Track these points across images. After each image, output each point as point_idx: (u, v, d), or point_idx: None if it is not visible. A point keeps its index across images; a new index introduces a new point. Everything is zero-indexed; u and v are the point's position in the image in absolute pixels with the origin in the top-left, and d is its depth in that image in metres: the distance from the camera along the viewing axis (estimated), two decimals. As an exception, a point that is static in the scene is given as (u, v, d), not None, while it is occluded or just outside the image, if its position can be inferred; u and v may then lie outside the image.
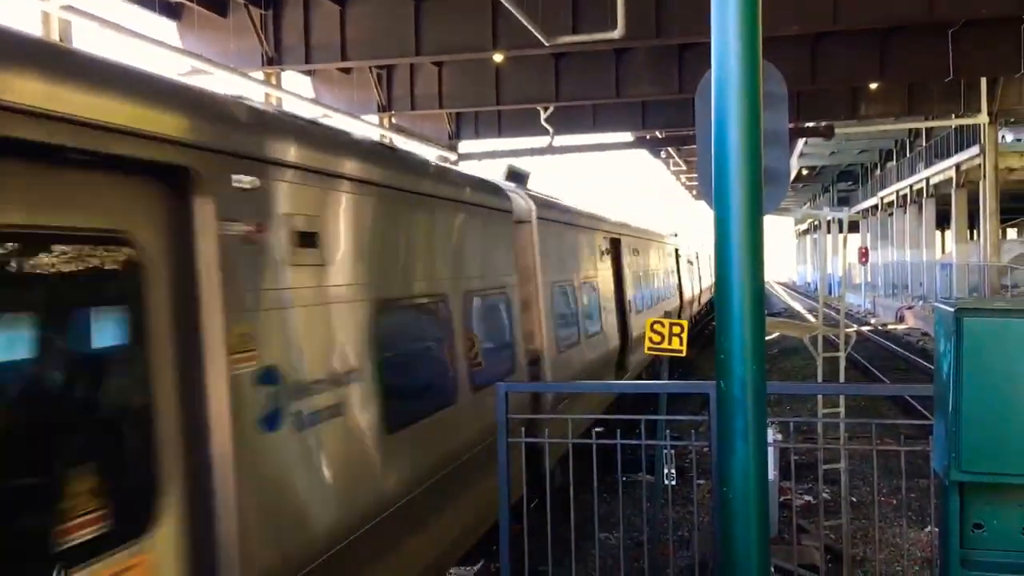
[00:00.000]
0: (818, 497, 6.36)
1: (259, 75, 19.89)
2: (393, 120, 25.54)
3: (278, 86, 20.42)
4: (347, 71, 23.63)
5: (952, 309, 3.26)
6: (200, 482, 3.45)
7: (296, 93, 21.50)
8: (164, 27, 19.45)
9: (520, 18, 14.34)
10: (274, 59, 19.86)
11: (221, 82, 17.55)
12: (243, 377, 3.69)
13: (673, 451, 7.31)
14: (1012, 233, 56.34)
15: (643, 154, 53.27)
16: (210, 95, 3.95)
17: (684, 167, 63.08)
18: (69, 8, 13.27)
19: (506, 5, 14.06)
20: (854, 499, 11.12)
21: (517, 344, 8.22)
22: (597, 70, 23.05)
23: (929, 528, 9.46)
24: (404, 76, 24.45)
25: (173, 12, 19.38)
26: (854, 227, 59.76)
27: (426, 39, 19.34)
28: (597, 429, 6.05)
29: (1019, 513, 3.30)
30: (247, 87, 18.87)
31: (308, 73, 23.44)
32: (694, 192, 74.59)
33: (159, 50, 15.73)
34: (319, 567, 4.14)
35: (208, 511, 3.46)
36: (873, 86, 26.46)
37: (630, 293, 15.36)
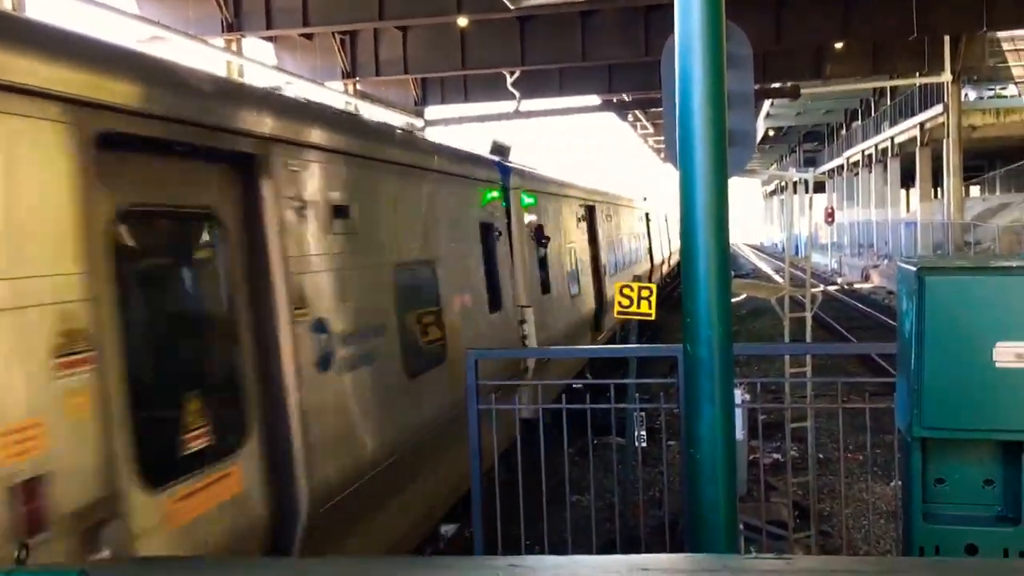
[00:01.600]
0: (786, 455, 6.46)
1: (219, 42, 19.52)
2: (358, 87, 25.23)
3: (239, 53, 20.06)
4: (309, 37, 23.25)
5: (914, 268, 3.27)
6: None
7: (258, 60, 21.14)
8: (120, -6, 18.98)
9: (484, -19, 14.16)
10: (234, 25, 19.48)
11: (181, 50, 17.19)
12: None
13: (643, 414, 7.37)
14: (975, 191, 57.02)
15: (610, 117, 53.20)
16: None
17: (651, 130, 63.13)
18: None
19: (469, -32, 13.88)
20: (821, 456, 11.29)
21: None
22: (563, 34, 22.88)
23: (894, 483, 9.65)
24: (368, 42, 24.11)
25: (129, -22, 18.91)
26: (820, 187, 60.20)
27: (389, 3, 19.08)
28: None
29: (979, 468, 3.35)
30: (208, 55, 18.51)
31: (270, 39, 23.05)
32: (662, 155, 74.65)
33: (117, 18, 15.39)
34: None
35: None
36: (838, 46, 26.51)
37: None
